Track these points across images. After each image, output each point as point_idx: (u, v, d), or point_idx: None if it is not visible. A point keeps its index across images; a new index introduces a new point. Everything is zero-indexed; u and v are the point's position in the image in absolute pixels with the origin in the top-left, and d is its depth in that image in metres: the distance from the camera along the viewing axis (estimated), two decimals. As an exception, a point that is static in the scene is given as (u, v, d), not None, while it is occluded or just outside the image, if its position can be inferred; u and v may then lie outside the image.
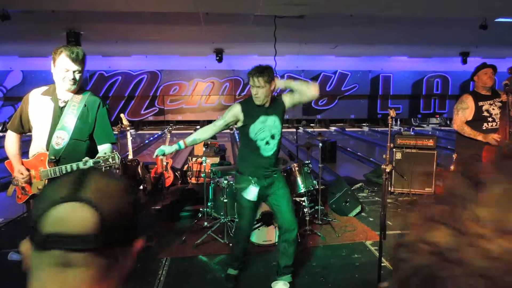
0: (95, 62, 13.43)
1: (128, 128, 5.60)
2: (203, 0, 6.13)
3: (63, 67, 2.36)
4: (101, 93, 15.19)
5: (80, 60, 2.39)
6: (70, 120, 2.42)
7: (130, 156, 5.85)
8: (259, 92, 2.88)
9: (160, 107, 15.73)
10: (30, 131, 2.56)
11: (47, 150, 2.42)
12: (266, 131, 2.97)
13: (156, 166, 6.09)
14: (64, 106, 2.44)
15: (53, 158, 2.40)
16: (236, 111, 3.06)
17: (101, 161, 2.40)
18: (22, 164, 2.49)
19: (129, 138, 5.79)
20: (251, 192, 3.00)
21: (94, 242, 0.65)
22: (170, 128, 6.47)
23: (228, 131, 15.02)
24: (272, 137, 2.97)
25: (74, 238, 0.65)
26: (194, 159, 6.69)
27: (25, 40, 9.56)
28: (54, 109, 2.44)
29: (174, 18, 7.51)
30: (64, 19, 7.55)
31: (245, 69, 17.27)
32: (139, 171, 5.88)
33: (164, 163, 6.07)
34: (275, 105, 2.99)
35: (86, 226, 0.66)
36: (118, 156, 2.43)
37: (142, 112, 15.71)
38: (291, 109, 3.22)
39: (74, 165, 2.39)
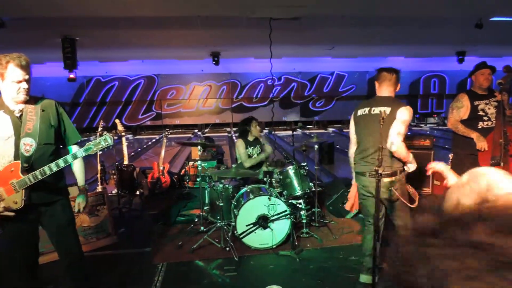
0: (91, 67, 13.42)
1: (123, 133, 5.58)
2: (197, 3, 6.12)
3: (15, 79, 2.26)
4: (98, 98, 15.18)
5: (29, 67, 2.32)
6: (32, 126, 2.35)
7: (126, 162, 5.83)
8: None
9: (157, 111, 15.71)
10: None
11: (17, 160, 2.32)
12: None
13: (153, 171, 6.07)
14: (21, 115, 2.36)
15: (26, 165, 2.31)
16: None
17: (93, 147, 2.33)
18: None
19: (124, 144, 5.77)
20: None
21: None
22: (167, 133, 6.46)
23: (226, 134, 15.00)
24: None
25: None
26: (191, 163, 6.67)
27: (20, 47, 9.43)
28: (12, 120, 2.33)
29: (169, 22, 7.50)
30: (59, 25, 7.53)
31: (242, 72, 17.34)
32: (135, 176, 5.85)
33: (161, 168, 6.06)
34: None
35: None
36: (110, 137, 2.35)
37: (140, 117, 15.68)
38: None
39: (61, 161, 2.30)
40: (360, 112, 3.17)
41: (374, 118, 2.97)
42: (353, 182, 3.22)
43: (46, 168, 2.29)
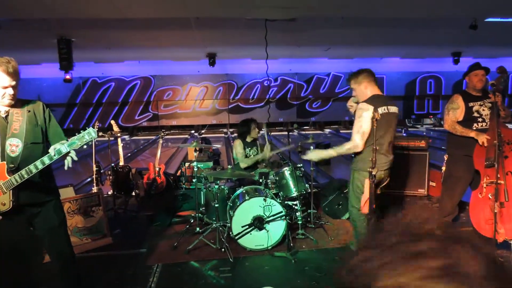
0: (87, 68, 13.37)
1: (118, 134, 5.57)
2: (193, 4, 6.12)
3: (0, 84, 2.25)
4: (95, 99, 15.14)
5: (17, 73, 2.30)
6: (18, 126, 2.34)
7: (122, 163, 5.81)
8: (354, 94, 3.50)
9: (154, 112, 15.68)
10: None
11: (2, 161, 2.31)
12: None
13: (148, 172, 6.05)
14: (7, 115, 2.36)
15: (12, 166, 2.30)
16: None
17: (77, 141, 2.30)
18: None
19: (120, 145, 5.76)
20: None
21: None
22: (163, 134, 6.45)
23: (223, 135, 14.99)
24: None
25: None
26: (187, 164, 6.66)
27: (16, 48, 9.49)
28: None
29: (165, 24, 7.49)
30: (55, 26, 7.51)
31: (239, 73, 17.29)
32: (131, 177, 5.84)
33: (157, 169, 6.05)
34: None
35: None
36: (94, 131, 2.33)
37: (136, 117, 15.65)
38: None
39: (46, 158, 2.28)
40: (381, 110, 3.25)
41: (392, 116, 3.30)
42: (367, 182, 3.16)
43: (31, 166, 2.26)
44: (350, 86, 3.46)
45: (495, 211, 3.34)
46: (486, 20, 7.48)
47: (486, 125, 3.82)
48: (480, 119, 3.86)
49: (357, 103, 3.48)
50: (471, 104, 3.90)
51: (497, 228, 3.36)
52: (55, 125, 2.57)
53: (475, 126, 3.85)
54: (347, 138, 13.28)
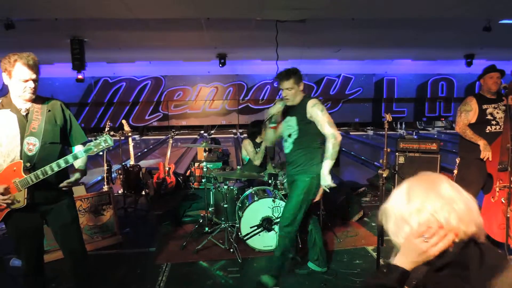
0: (99, 68, 13.52)
1: (129, 134, 5.61)
2: (204, 5, 6.15)
3: (21, 78, 2.28)
4: (106, 99, 15.31)
5: (37, 66, 2.33)
6: (37, 125, 2.36)
7: (132, 162, 5.86)
8: (288, 94, 3.16)
9: (164, 112, 15.80)
10: None
11: (20, 159, 2.32)
12: (286, 130, 3.25)
13: (158, 171, 6.10)
14: (28, 114, 2.37)
15: (28, 165, 2.31)
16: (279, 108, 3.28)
17: (93, 147, 2.34)
18: None
19: (131, 144, 5.81)
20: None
21: None
22: (173, 134, 6.49)
23: (232, 135, 15.02)
24: (289, 136, 3.22)
25: None
26: (196, 164, 6.69)
27: (30, 48, 9.52)
28: (18, 119, 2.34)
29: (176, 24, 7.54)
30: (68, 26, 7.60)
31: (249, 74, 17.27)
32: (141, 176, 5.88)
33: (167, 168, 6.08)
34: (298, 106, 3.19)
35: None
36: (110, 138, 2.36)
37: (147, 117, 15.78)
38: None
39: (62, 161, 2.31)
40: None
41: None
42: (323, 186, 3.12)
43: (47, 167, 2.30)
44: (287, 86, 3.15)
45: (508, 215, 3.29)
46: (500, 22, 7.38)
47: (499, 128, 3.77)
48: (493, 122, 3.81)
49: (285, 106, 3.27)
50: (485, 106, 3.85)
51: (510, 233, 3.31)
52: (76, 125, 2.60)
53: (488, 129, 3.80)
54: (357, 140, 13.16)
